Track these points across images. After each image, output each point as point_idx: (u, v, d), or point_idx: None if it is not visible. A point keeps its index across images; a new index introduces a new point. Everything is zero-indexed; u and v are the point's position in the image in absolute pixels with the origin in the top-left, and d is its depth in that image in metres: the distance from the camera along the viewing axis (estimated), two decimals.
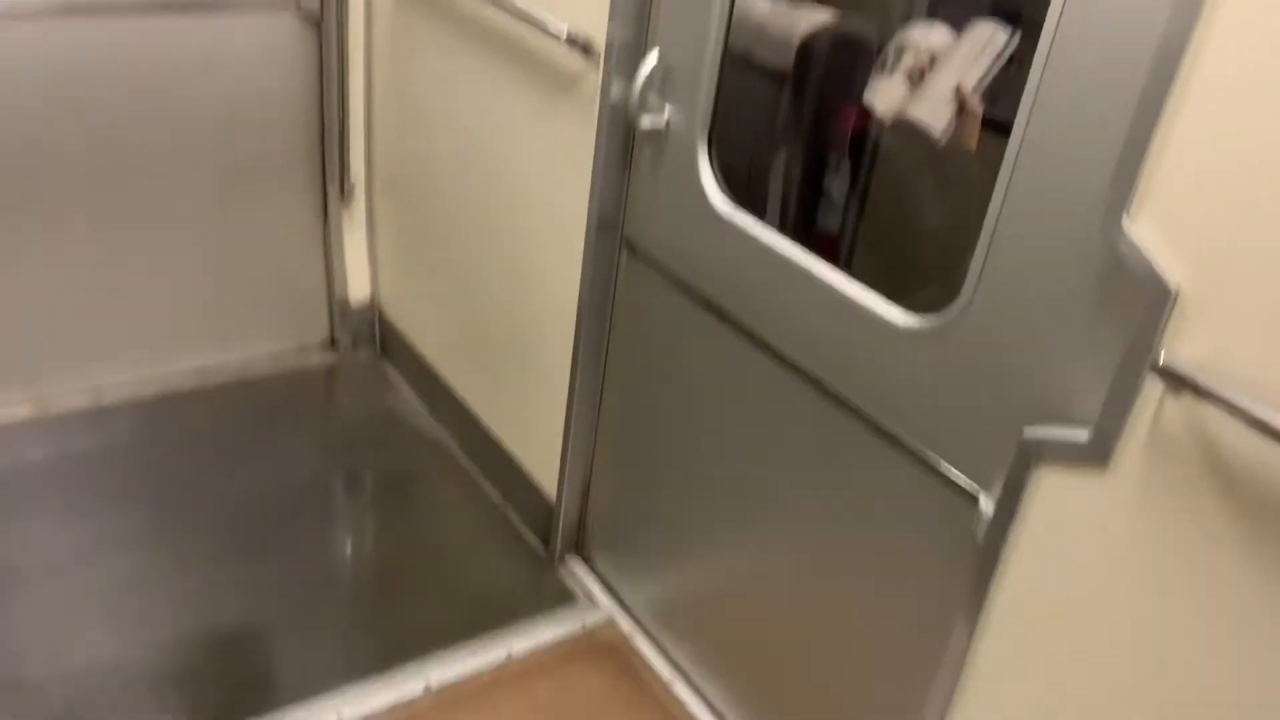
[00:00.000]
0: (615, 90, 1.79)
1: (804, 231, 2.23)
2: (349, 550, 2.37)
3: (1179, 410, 1.06)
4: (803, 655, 1.76)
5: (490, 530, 2.42)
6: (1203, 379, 1.01)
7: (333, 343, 2.98)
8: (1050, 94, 1.15)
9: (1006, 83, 1.74)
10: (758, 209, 1.71)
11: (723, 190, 1.71)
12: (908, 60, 1.80)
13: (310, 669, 1.98)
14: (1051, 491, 1.22)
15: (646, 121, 1.75)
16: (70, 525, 2.24)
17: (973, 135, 1.79)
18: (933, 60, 1.78)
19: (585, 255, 1.95)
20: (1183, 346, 1.04)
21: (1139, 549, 1.14)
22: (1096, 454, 1.14)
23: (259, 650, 2.01)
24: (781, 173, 2.21)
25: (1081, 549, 1.20)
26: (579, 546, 2.32)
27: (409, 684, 1.95)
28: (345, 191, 2.75)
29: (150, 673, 1.92)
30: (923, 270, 2.04)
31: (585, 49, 1.83)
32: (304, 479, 2.50)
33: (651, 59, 1.73)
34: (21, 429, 2.50)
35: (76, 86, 2.34)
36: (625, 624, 2.15)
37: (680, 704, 1.99)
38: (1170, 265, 1.04)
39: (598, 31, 1.79)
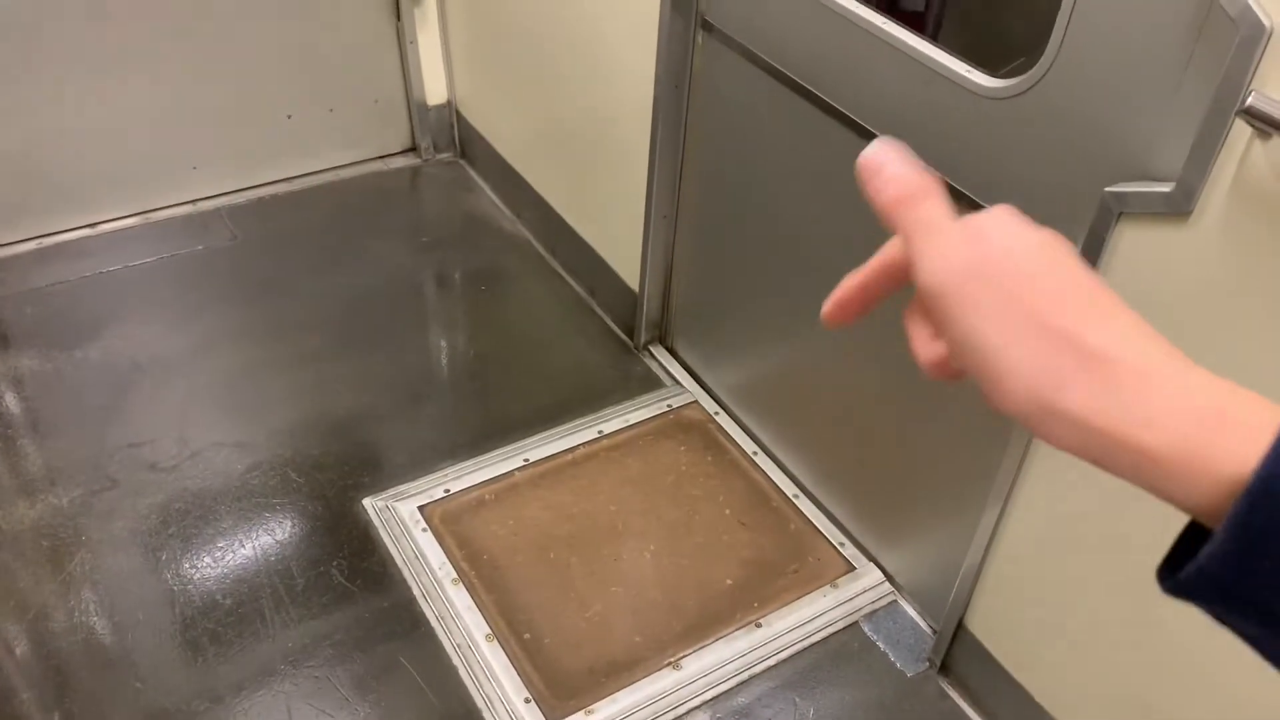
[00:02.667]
0: None
1: (889, 9, 2.17)
2: (444, 343, 2.48)
3: (1266, 153, 1.05)
4: (878, 429, 1.82)
5: (576, 322, 2.50)
6: None
7: (413, 146, 3.02)
8: None
9: None
10: None
11: None
12: None
13: (416, 451, 2.12)
14: (1133, 243, 1.23)
15: None
16: (183, 323, 2.38)
17: None
18: None
19: (660, 36, 1.93)
20: (1274, 88, 1.02)
21: (1221, 293, 1.15)
22: (1179, 204, 1.14)
23: (369, 435, 2.15)
24: None
25: (1163, 297, 1.21)
26: (662, 335, 2.39)
27: (507, 461, 2.08)
28: None
29: (271, 456, 2.08)
30: (1009, 43, 1.98)
31: None
32: (396, 278, 2.60)
33: None
34: (129, 236, 2.63)
35: None
36: (708, 404, 2.24)
37: (762, 471, 2.09)
38: (1265, 2, 1.01)
39: None
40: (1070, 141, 1.30)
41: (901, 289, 0.50)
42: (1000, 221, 0.44)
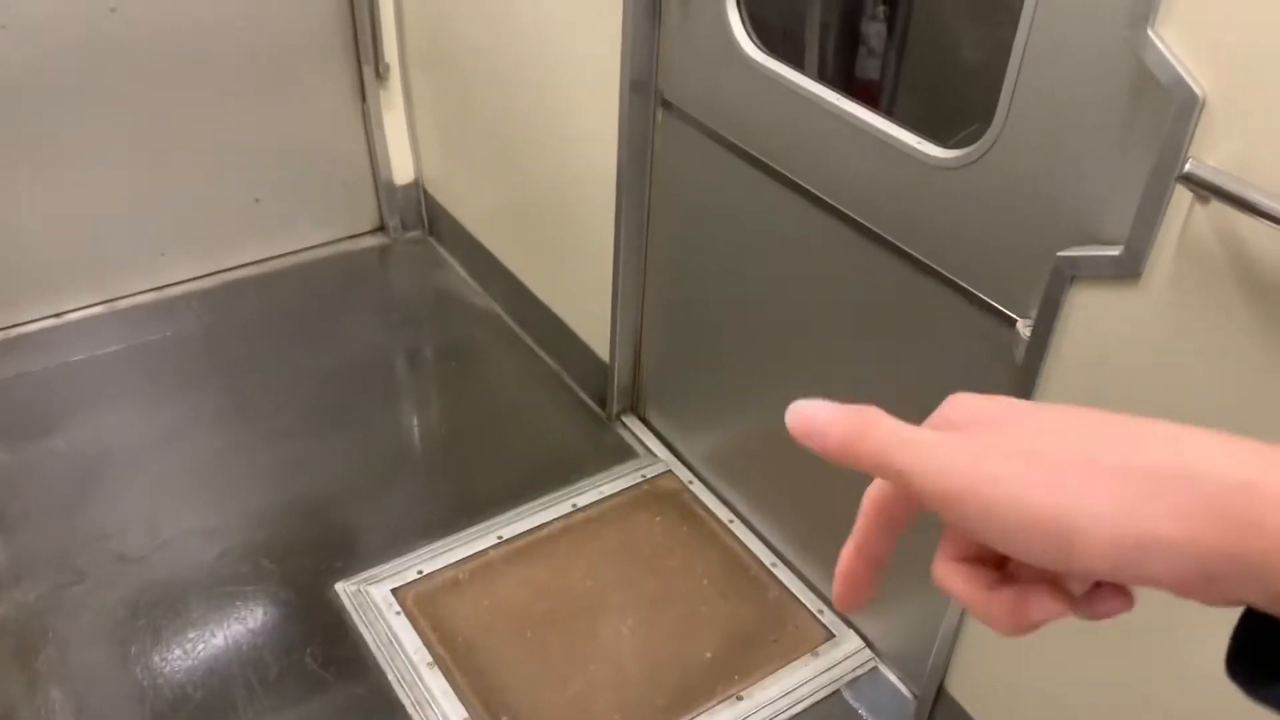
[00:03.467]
0: None
1: (843, 81, 2.22)
2: (416, 421, 2.48)
3: (1206, 217, 1.08)
4: (853, 492, 1.83)
5: (548, 395, 2.51)
6: (1230, 184, 1.02)
7: (382, 226, 3.04)
8: None
9: None
10: (794, 61, 1.71)
11: (752, 37, 1.71)
12: None
13: (389, 532, 2.10)
14: (1086, 307, 1.25)
15: None
16: (151, 410, 2.37)
17: None
18: None
19: (621, 115, 1.97)
20: (1209, 154, 1.05)
21: (1172, 353, 1.17)
22: (1129, 267, 1.17)
23: (341, 516, 2.14)
24: (817, 21, 2.19)
25: (1116, 359, 1.24)
26: (634, 404, 2.40)
27: (481, 539, 2.07)
28: (380, 72, 2.76)
29: (242, 542, 2.06)
30: (961, 111, 2.03)
31: None
32: (367, 356, 2.60)
33: None
34: (95, 324, 2.62)
35: None
36: (683, 474, 2.24)
37: (739, 540, 2.09)
38: (1196, 73, 1.04)
39: None
40: (1021, 208, 1.33)
41: (907, 529, 0.46)
42: (965, 400, 0.42)
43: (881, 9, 2.25)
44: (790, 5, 2.16)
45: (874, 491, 0.46)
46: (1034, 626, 0.41)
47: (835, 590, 0.47)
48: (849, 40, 2.25)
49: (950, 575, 0.42)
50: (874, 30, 2.27)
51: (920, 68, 2.27)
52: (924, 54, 2.27)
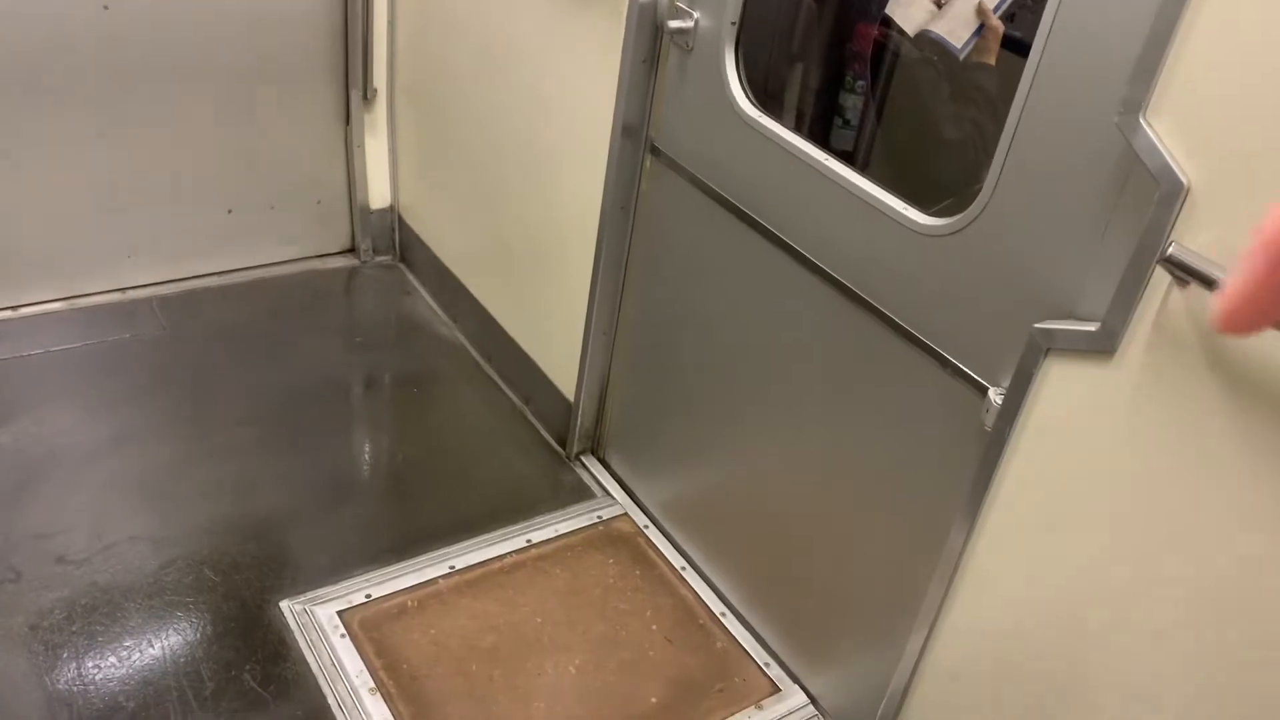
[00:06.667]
0: None
1: (820, 146, 2.27)
2: (373, 445, 2.45)
3: (1184, 300, 1.12)
4: (809, 548, 1.85)
5: (508, 429, 2.50)
6: (1210, 270, 1.07)
7: (353, 248, 3.03)
8: (1072, 2, 1.19)
9: (1026, 3, 1.78)
10: (779, 119, 1.76)
11: (748, 93, 1.75)
12: None
13: (339, 554, 2.07)
14: (1059, 380, 1.29)
15: (675, 23, 1.78)
16: (104, 411, 2.32)
17: (993, 51, 1.84)
18: None
19: (609, 159, 1.99)
20: (1191, 239, 1.10)
21: (1141, 432, 1.21)
22: (1104, 343, 1.21)
23: (290, 535, 2.10)
24: (800, 86, 2.24)
25: (1085, 433, 1.27)
26: (595, 446, 2.40)
27: (433, 568, 2.05)
28: (368, 96, 2.78)
29: (187, 552, 2.01)
30: (935, 183, 2.09)
31: None
32: (327, 376, 2.58)
33: None
34: (53, 320, 2.57)
35: None
36: (639, 518, 2.24)
37: (690, 587, 2.09)
38: (1184, 162, 1.09)
39: None
40: (1001, 279, 1.37)
41: None
42: None
43: (860, 84, 2.32)
44: (778, 69, 2.21)
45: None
46: None
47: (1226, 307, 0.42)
48: (830, 106, 2.31)
49: None
50: (850, 102, 2.33)
51: (896, 140, 2.34)
52: (901, 126, 2.33)
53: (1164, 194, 1.11)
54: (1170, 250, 1.10)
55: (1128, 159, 1.15)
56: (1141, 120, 1.12)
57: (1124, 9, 1.13)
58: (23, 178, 2.46)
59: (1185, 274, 1.09)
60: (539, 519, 2.21)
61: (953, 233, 1.43)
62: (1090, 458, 1.28)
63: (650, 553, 2.16)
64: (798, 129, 2.24)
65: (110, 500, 2.10)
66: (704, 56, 1.79)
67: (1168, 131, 1.10)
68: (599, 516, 2.23)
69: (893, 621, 1.66)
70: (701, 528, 2.13)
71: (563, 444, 2.42)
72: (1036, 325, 1.30)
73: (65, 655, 1.78)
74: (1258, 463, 1.10)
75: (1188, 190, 1.09)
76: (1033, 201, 1.30)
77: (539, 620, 1.98)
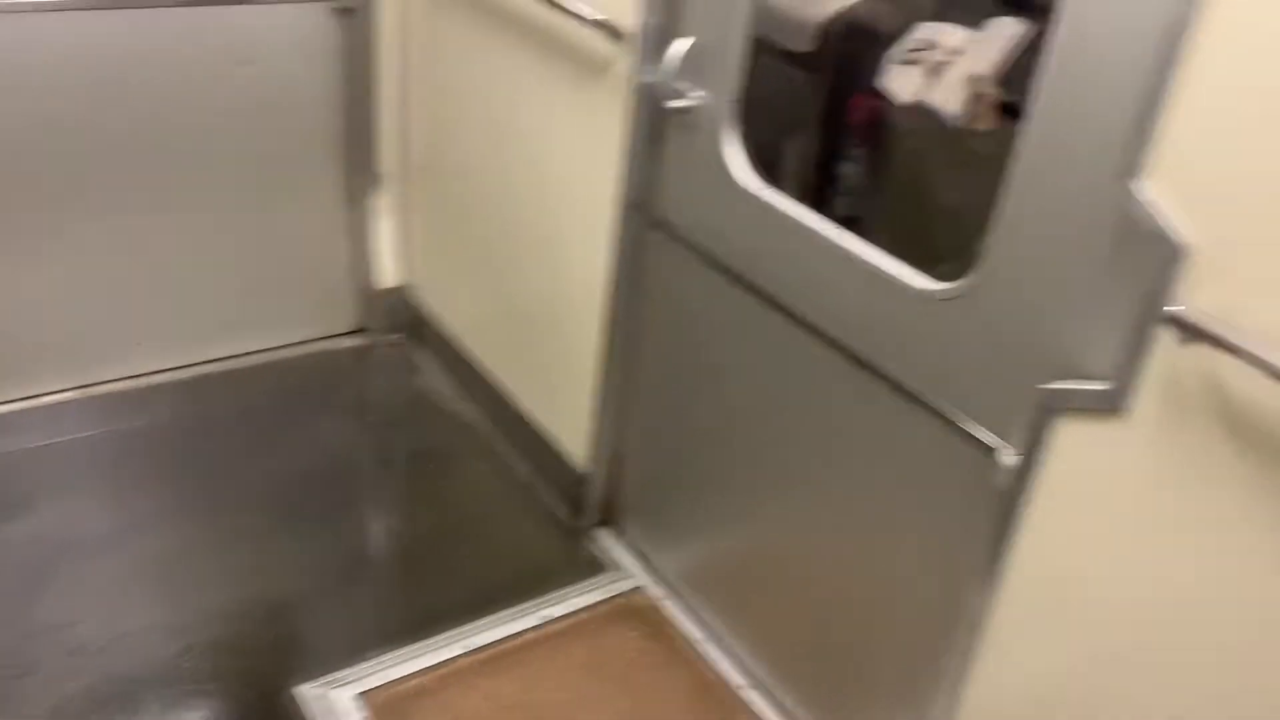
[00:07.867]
0: (646, 73, 1.86)
1: (821, 215, 2.31)
2: (387, 525, 2.45)
3: (1191, 359, 1.13)
4: (827, 617, 1.83)
5: (522, 503, 2.50)
6: (1213, 328, 1.08)
7: (363, 328, 3.06)
8: (1065, 69, 1.22)
9: (1020, 69, 1.82)
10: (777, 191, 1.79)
11: (749, 168, 1.78)
12: (926, 56, 1.87)
13: (355, 636, 2.06)
14: (1070, 441, 1.30)
15: (676, 103, 1.82)
16: (118, 500, 2.33)
17: (987, 118, 1.87)
18: (952, 53, 1.86)
19: (616, 234, 2.03)
20: (1194, 299, 1.11)
21: (1155, 492, 1.21)
22: (1114, 402, 1.22)
23: (306, 618, 2.10)
24: (798, 157, 2.29)
25: (1099, 494, 1.27)
26: (609, 517, 2.40)
27: (449, 648, 2.03)
28: (374, 179, 2.83)
29: (204, 639, 2.01)
30: (936, 250, 2.12)
31: (615, 34, 1.90)
32: (339, 458, 2.59)
33: (684, 41, 1.80)
34: (68, 410, 2.59)
35: (113, 76, 2.40)
36: (656, 590, 2.23)
37: (709, 662, 2.07)
38: (1181, 224, 1.11)
39: (627, 16, 1.87)
40: (1006, 341, 1.38)
41: None
42: None
43: (858, 152, 2.36)
44: (778, 142, 2.26)
45: None
46: None
47: None
48: (829, 176, 2.35)
49: None
50: (850, 171, 2.38)
51: (896, 206, 2.37)
52: (900, 193, 2.37)
53: (1164, 256, 1.12)
54: (1173, 310, 1.11)
55: (1126, 222, 1.17)
56: (1138, 183, 1.14)
57: (1118, 73, 1.16)
58: (31, 268, 2.49)
59: (1189, 333, 1.11)
60: (555, 594, 2.20)
61: (955, 297, 1.45)
62: (1107, 517, 1.28)
63: (668, 627, 2.15)
64: (799, 199, 2.28)
65: (125, 589, 2.10)
66: (705, 132, 1.83)
67: (1166, 194, 1.12)
68: (616, 589, 2.22)
69: (915, 692, 1.64)
70: (721, 598, 2.11)
71: (577, 516, 2.41)
72: (1045, 386, 1.31)
73: None
74: (1274, 521, 1.10)
75: (1187, 250, 1.11)
76: (1033, 264, 1.32)
77: (559, 697, 1.96)
